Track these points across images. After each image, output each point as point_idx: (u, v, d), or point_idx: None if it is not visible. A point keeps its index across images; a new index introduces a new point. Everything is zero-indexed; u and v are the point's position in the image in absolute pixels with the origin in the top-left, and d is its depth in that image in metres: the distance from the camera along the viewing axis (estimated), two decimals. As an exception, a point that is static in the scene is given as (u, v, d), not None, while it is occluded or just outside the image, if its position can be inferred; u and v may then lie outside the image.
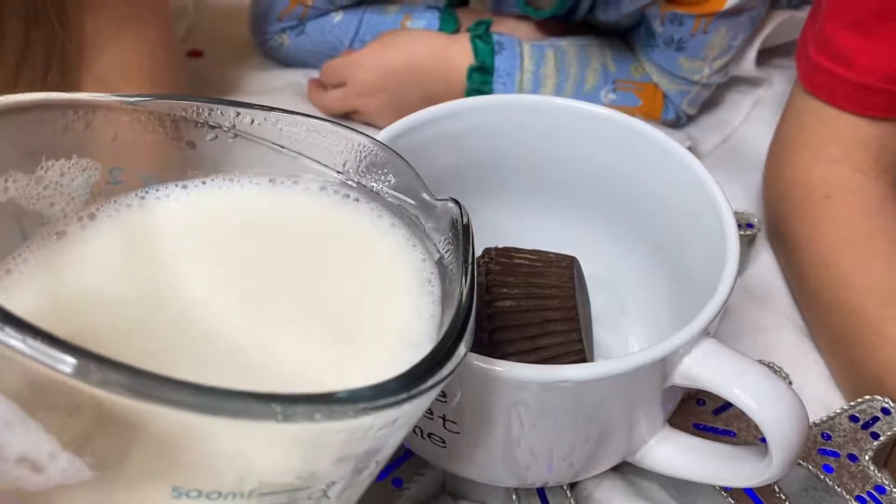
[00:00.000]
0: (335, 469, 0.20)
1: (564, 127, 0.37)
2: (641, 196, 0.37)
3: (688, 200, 0.34)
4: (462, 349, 0.21)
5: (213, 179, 0.27)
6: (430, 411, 0.30)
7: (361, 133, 0.27)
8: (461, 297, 0.22)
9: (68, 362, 0.15)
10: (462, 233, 0.25)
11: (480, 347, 0.32)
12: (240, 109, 0.26)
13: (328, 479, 0.20)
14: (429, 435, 0.31)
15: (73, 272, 0.23)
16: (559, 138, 0.38)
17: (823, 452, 0.36)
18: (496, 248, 0.34)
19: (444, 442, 0.31)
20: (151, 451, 0.18)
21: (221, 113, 0.26)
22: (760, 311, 0.45)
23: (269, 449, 0.18)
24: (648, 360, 0.27)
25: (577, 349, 0.31)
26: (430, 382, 0.19)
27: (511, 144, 0.38)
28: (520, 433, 0.29)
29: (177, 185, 0.26)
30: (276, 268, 0.25)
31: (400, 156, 0.27)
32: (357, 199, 0.27)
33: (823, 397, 0.41)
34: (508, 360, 0.31)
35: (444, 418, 0.29)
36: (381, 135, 0.34)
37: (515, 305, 0.32)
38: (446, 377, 0.20)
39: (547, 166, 0.39)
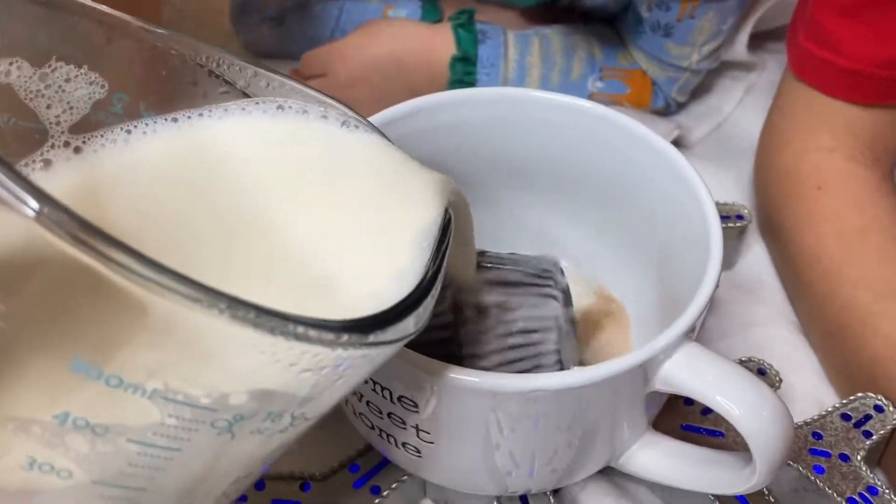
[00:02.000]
0: (248, 403, 0.19)
1: (545, 120, 0.36)
2: (625, 190, 0.36)
3: (672, 195, 0.33)
4: (409, 323, 0.21)
5: (210, 111, 0.26)
6: (402, 420, 0.29)
7: (365, 119, 0.27)
8: (425, 276, 0.22)
9: (30, 204, 0.15)
10: (441, 228, 0.24)
11: (453, 359, 0.31)
12: (258, 70, 0.26)
13: (237, 412, 0.19)
14: (403, 444, 0.30)
15: None
16: (539, 132, 0.37)
17: (814, 452, 0.35)
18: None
19: (418, 452, 0.30)
20: (70, 310, 0.17)
21: (240, 70, 0.26)
22: (751, 305, 0.44)
23: (185, 349, 0.18)
24: (626, 366, 0.26)
25: (556, 360, 0.30)
26: (370, 339, 0.19)
27: (490, 138, 0.37)
28: (498, 441, 0.28)
29: (166, 119, 0.25)
30: (274, 200, 0.24)
31: (388, 139, 0.27)
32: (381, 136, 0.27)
33: (816, 394, 0.40)
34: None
35: (417, 428, 0.29)
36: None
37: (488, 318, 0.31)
38: (385, 343, 0.20)
39: (527, 160, 0.38)
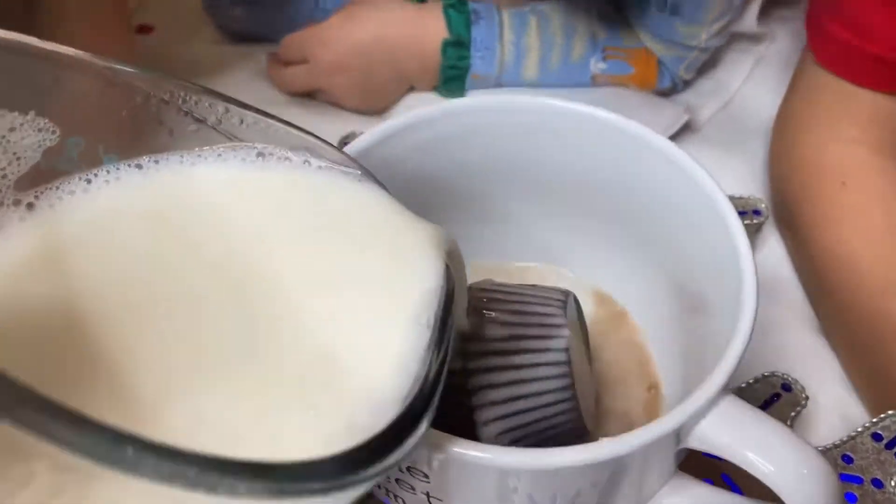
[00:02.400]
0: None
1: (553, 129, 0.33)
2: (635, 201, 0.33)
3: (690, 208, 0.30)
4: (412, 439, 0.18)
5: (182, 157, 0.23)
6: (411, 487, 0.26)
7: (351, 158, 0.24)
8: (428, 374, 0.19)
9: None
10: (443, 298, 0.21)
11: (464, 409, 0.28)
12: (230, 106, 0.23)
13: None
14: (412, 507, 0.28)
15: (9, 272, 0.20)
16: (540, 140, 0.33)
17: (846, 479, 0.33)
18: (476, 289, 0.30)
19: (429, 515, 0.28)
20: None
21: (209, 105, 0.23)
22: (768, 306, 0.41)
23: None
24: (655, 436, 0.23)
25: (575, 416, 0.28)
26: (361, 476, 0.16)
27: (490, 149, 0.34)
28: (514, 498, 0.26)
29: (129, 166, 0.23)
30: (255, 261, 0.22)
31: (380, 182, 0.24)
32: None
33: (842, 406, 0.38)
34: (490, 426, 0.28)
35: (427, 495, 0.26)
36: (350, 148, 0.30)
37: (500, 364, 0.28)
38: (382, 472, 0.17)
39: (530, 171, 0.35)
